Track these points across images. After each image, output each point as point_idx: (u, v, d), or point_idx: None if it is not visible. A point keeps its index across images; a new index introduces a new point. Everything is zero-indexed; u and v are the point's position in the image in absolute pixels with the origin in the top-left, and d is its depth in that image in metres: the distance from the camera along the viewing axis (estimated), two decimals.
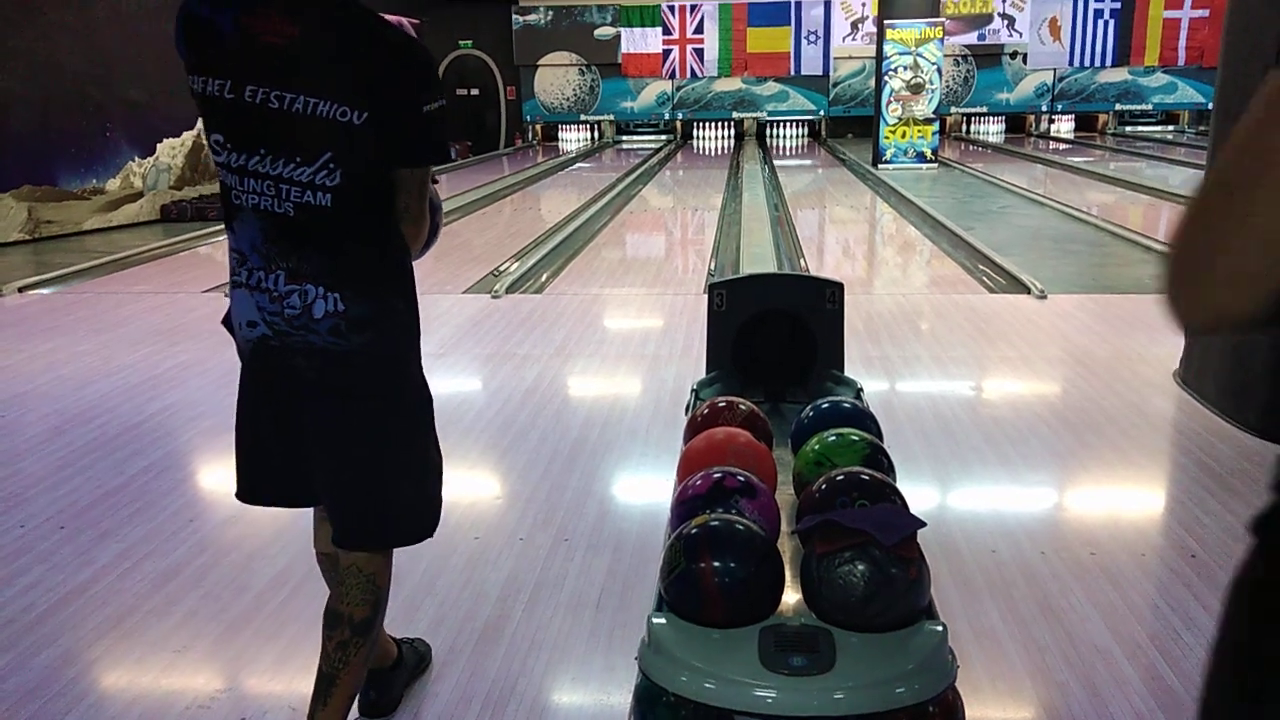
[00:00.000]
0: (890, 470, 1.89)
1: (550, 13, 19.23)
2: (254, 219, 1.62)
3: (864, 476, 1.71)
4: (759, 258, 7.43)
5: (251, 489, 1.86)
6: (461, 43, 19.11)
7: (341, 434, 1.71)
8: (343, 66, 1.56)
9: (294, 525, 2.98)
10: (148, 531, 2.92)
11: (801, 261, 7.33)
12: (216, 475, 3.54)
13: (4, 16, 8.58)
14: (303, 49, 1.55)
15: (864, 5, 18.24)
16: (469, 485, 3.35)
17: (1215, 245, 0.73)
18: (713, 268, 7.16)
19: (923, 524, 1.52)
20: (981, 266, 6.89)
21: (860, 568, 1.47)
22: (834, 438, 1.90)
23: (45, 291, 6.52)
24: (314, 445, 1.73)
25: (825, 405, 2.13)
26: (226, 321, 1.78)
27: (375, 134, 1.57)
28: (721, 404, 2.16)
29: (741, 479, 1.72)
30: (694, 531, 1.55)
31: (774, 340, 2.67)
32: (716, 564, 1.49)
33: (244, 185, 1.61)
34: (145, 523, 2.98)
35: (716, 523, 1.56)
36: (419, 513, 1.82)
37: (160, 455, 3.56)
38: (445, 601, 2.51)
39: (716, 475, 1.73)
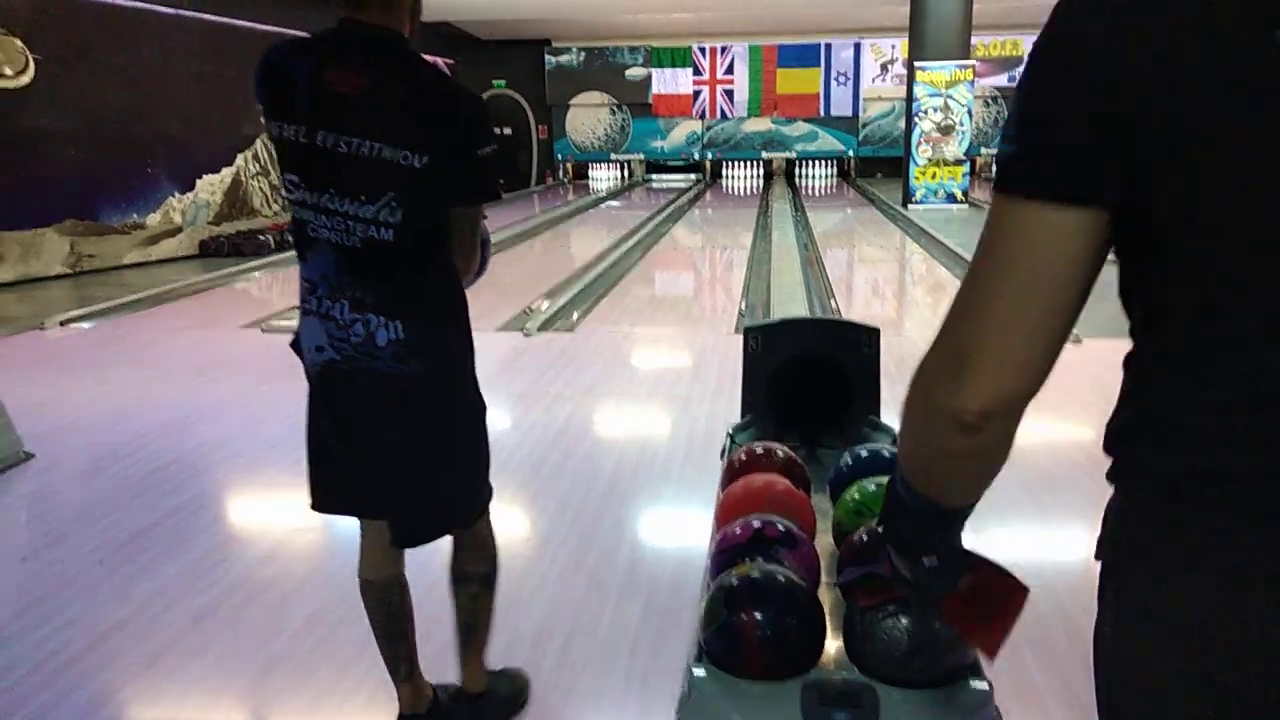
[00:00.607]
0: None
1: (582, 54, 19.53)
2: (327, 251, 1.77)
3: None
4: (789, 297, 7.43)
5: (323, 499, 2.00)
6: (495, 83, 19.43)
7: (402, 450, 1.86)
8: (405, 115, 1.71)
9: (328, 565, 2.99)
10: (183, 569, 2.94)
11: (832, 302, 7.32)
12: (251, 513, 3.57)
13: (57, 58, 8.84)
14: (369, 99, 1.70)
15: (894, 47, 18.36)
16: (501, 527, 3.33)
17: (976, 337, 0.88)
18: (743, 307, 7.17)
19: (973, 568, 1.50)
20: None
21: (904, 622, 1.45)
22: (874, 487, 1.88)
23: (85, 325, 6.64)
24: (376, 460, 1.88)
25: (864, 453, 2.11)
26: (295, 345, 1.91)
27: (433, 176, 1.70)
28: (759, 450, 2.15)
29: (782, 528, 1.71)
30: (735, 582, 1.54)
31: (810, 385, 2.66)
32: (758, 616, 1.48)
33: (317, 220, 1.76)
34: (181, 560, 3.00)
35: (757, 574, 1.55)
36: (468, 505, 2.03)
37: (196, 492, 3.60)
38: None
39: (756, 524, 1.72)
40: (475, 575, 2.10)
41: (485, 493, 2.05)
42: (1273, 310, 0.78)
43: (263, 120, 1.79)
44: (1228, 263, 0.79)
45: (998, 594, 1.29)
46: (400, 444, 1.86)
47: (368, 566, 2.06)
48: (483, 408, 1.98)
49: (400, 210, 1.71)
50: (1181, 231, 0.81)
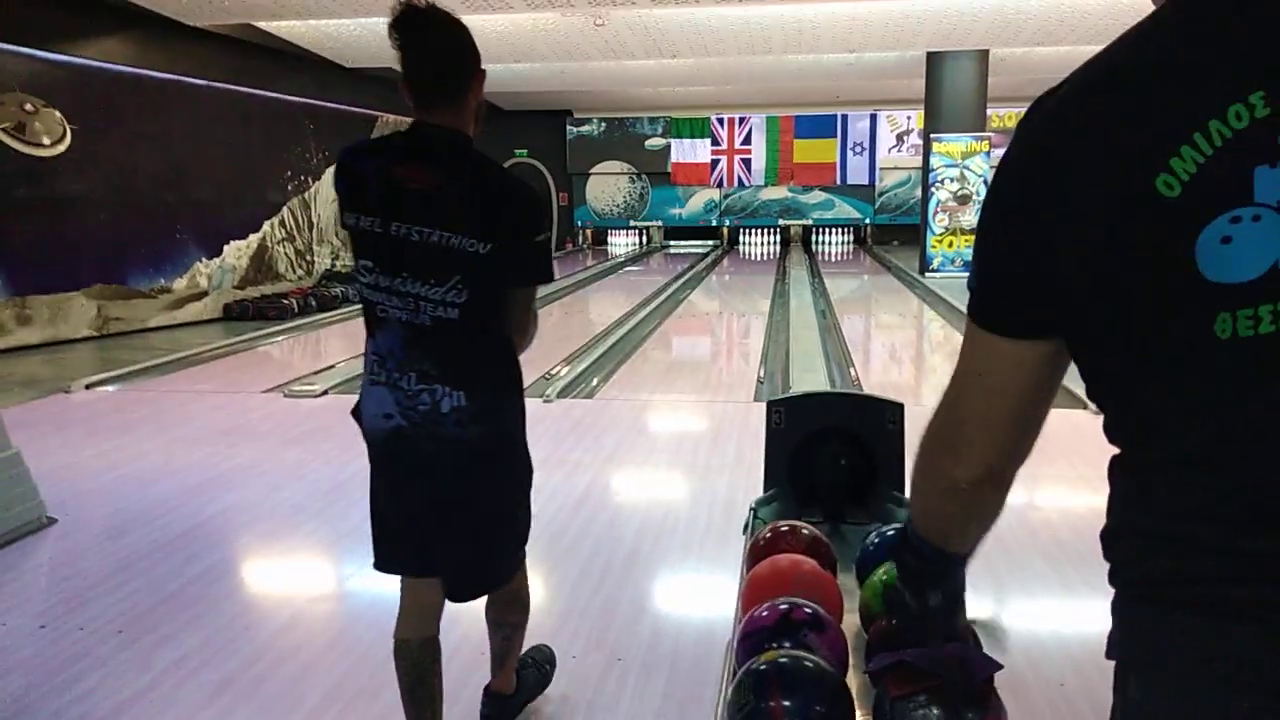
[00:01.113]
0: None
1: (603, 124, 19.90)
2: (397, 328, 1.94)
3: None
4: (807, 365, 7.43)
5: (386, 560, 2.13)
6: (517, 152, 19.79)
7: (463, 509, 2.04)
8: (471, 209, 1.89)
9: (348, 634, 2.98)
10: (204, 638, 2.93)
11: (851, 369, 7.32)
12: (272, 581, 3.56)
13: (91, 126, 9.10)
14: (439, 194, 1.89)
15: (909, 119, 18.63)
16: None
17: (959, 428, 1.04)
18: (761, 374, 7.18)
19: (1000, 666, 1.49)
20: None
21: (936, 713, 1.43)
22: None
23: (110, 389, 6.72)
24: (439, 519, 2.04)
25: (891, 533, 2.10)
26: (355, 413, 2.05)
27: (496, 261, 1.90)
28: (784, 528, 2.14)
29: (809, 611, 1.70)
30: (763, 668, 1.52)
31: (834, 460, 2.66)
32: (787, 703, 1.46)
33: (389, 301, 1.93)
34: (202, 628, 2.99)
35: (785, 659, 1.54)
36: (510, 569, 2.23)
37: (218, 559, 3.60)
38: None
39: (783, 607, 1.70)
40: (509, 624, 2.34)
41: (522, 550, 2.26)
42: (1204, 432, 0.83)
43: (341, 212, 2.00)
44: (1159, 390, 0.86)
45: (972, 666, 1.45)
46: (461, 503, 2.03)
47: (406, 627, 2.13)
48: (531, 470, 2.18)
49: (466, 291, 1.89)
50: (1116, 366, 0.89)
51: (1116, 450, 0.95)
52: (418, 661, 2.11)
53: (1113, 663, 0.96)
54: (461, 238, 1.87)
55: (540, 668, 2.58)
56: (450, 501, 2.02)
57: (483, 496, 2.04)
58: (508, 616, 2.32)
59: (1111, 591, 0.96)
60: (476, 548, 2.09)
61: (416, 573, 2.11)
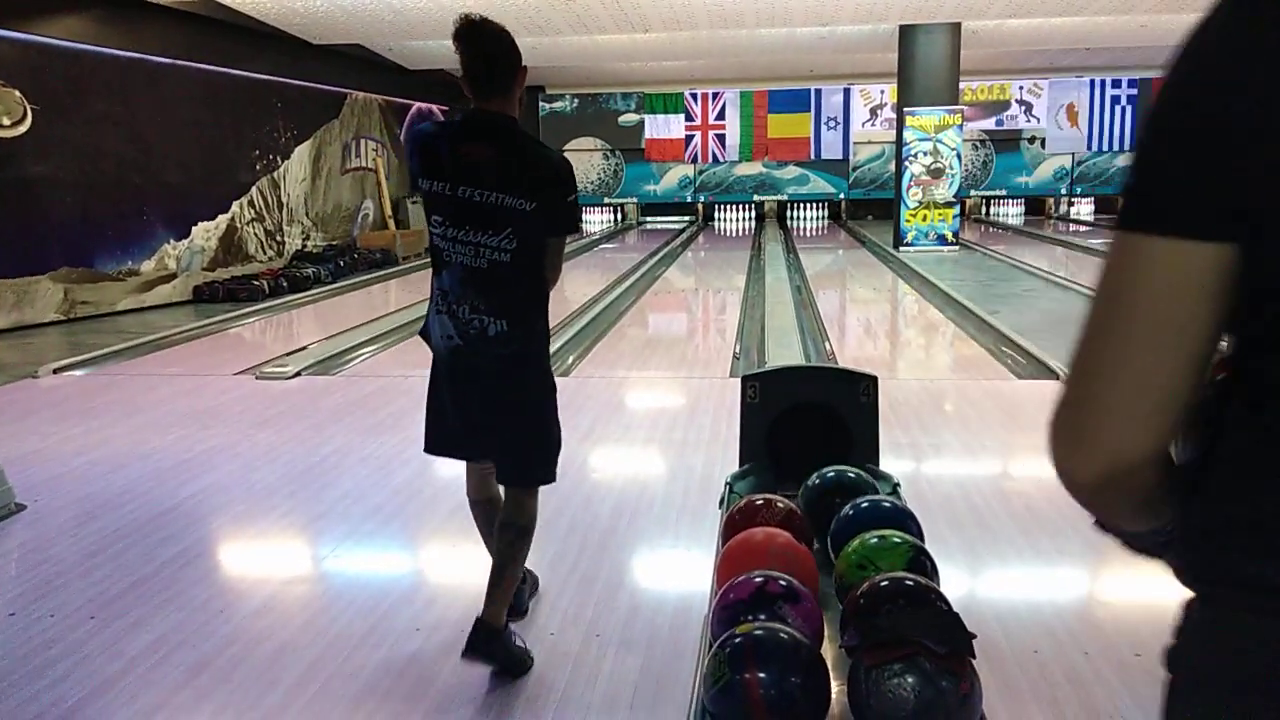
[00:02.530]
0: (934, 573, 1.87)
1: (576, 100, 19.75)
2: (458, 270, 2.48)
3: (909, 583, 1.68)
4: (783, 340, 7.45)
5: (435, 446, 2.73)
6: None
7: (503, 408, 2.59)
8: (520, 175, 2.42)
9: (323, 615, 2.97)
10: (178, 621, 2.91)
11: (826, 344, 7.35)
12: (247, 563, 3.54)
13: (54, 106, 8.91)
14: (495, 164, 2.42)
15: (883, 92, 18.62)
16: None
17: (1097, 393, 0.79)
18: (737, 350, 7.19)
19: (973, 635, 1.50)
20: (1006, 350, 6.88)
21: (910, 680, 1.44)
22: (875, 540, 1.88)
23: (79, 373, 6.62)
24: (483, 416, 2.60)
25: (865, 504, 2.11)
26: (424, 333, 2.63)
27: (537, 216, 2.43)
28: (759, 502, 2.15)
29: (784, 584, 1.71)
30: (738, 641, 1.53)
31: (808, 433, 2.67)
32: (762, 675, 1.47)
33: (454, 248, 2.48)
34: (176, 612, 2.97)
35: (761, 631, 1.54)
36: (548, 465, 2.70)
37: (191, 542, 3.57)
38: (477, 699, 2.47)
39: (758, 579, 1.71)
40: (514, 525, 2.66)
41: (554, 468, 2.71)
42: None
43: (417, 181, 2.54)
44: None
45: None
46: (504, 404, 2.59)
47: (472, 490, 2.84)
48: (554, 386, 2.70)
49: (516, 240, 2.44)
50: None
51: (1255, 421, 0.77)
52: (484, 510, 2.81)
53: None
54: (512, 198, 2.39)
55: (524, 651, 2.64)
56: (495, 401, 2.58)
57: (518, 398, 2.61)
58: (513, 518, 2.66)
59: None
60: (516, 440, 2.64)
61: (475, 459, 2.75)
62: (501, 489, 2.72)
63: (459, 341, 2.53)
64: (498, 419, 2.61)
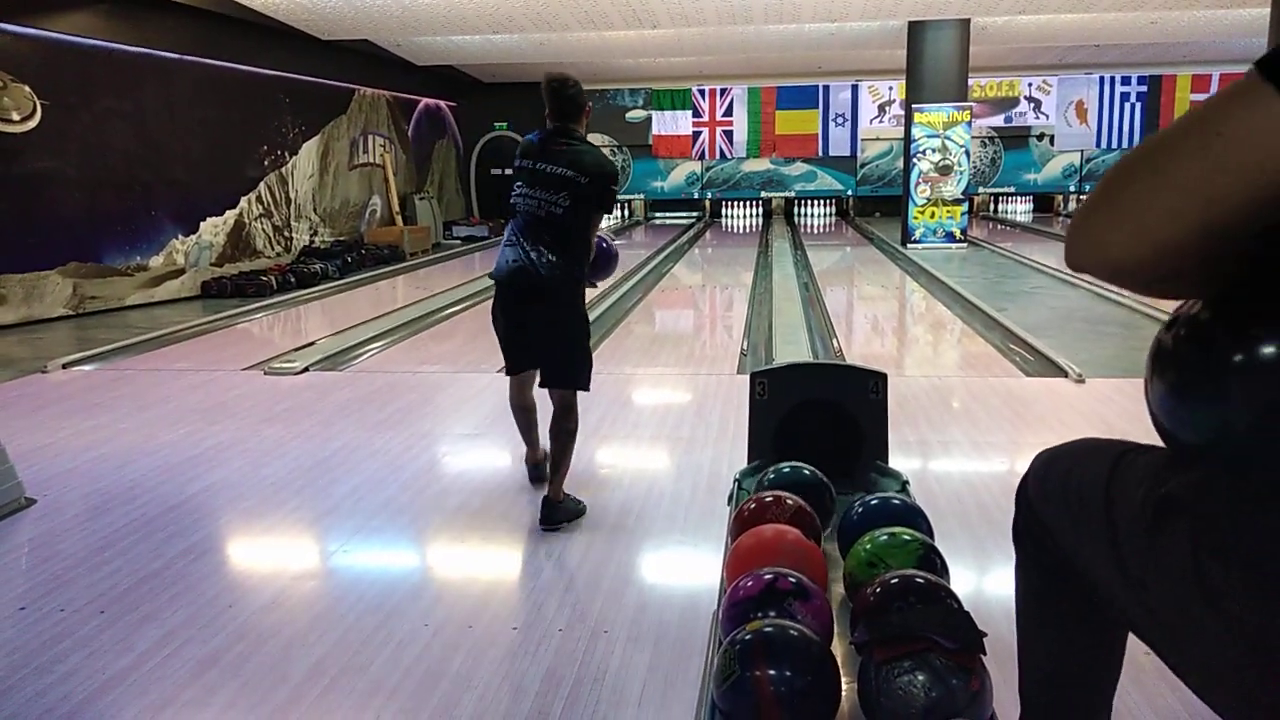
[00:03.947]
0: (944, 571, 1.86)
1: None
2: (527, 217, 3.53)
3: (919, 580, 1.68)
4: (790, 337, 7.44)
5: (514, 364, 3.78)
6: (497, 125, 19.61)
7: (547, 319, 3.59)
8: (580, 161, 3.51)
9: (331, 611, 2.97)
10: (188, 616, 2.91)
11: (833, 341, 7.33)
12: (255, 558, 3.55)
13: (62, 104, 8.93)
14: (565, 152, 3.52)
15: (891, 89, 18.57)
16: (507, 572, 3.33)
17: (1129, 188, 0.82)
18: (744, 346, 7.18)
19: (984, 633, 1.49)
20: (1014, 347, 6.86)
21: (920, 678, 1.43)
22: (885, 537, 1.87)
23: (88, 368, 6.64)
24: (532, 328, 3.61)
25: (875, 501, 2.11)
26: (494, 273, 3.66)
27: (587, 189, 3.49)
28: (768, 498, 2.14)
29: (794, 580, 1.70)
30: (748, 637, 1.52)
31: (817, 430, 2.66)
32: (772, 672, 1.46)
33: (525, 204, 3.53)
34: (185, 607, 2.98)
35: (770, 629, 1.54)
36: (585, 374, 3.67)
37: (200, 537, 3.57)
38: (484, 695, 2.47)
39: (768, 576, 1.71)
40: (564, 430, 3.62)
41: (587, 377, 3.68)
42: None
43: (516, 159, 3.66)
44: None
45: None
46: (549, 319, 3.59)
47: (514, 396, 3.88)
48: (587, 317, 3.71)
49: (569, 199, 3.48)
50: None
51: None
52: (523, 410, 3.89)
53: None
54: (572, 173, 3.47)
55: (576, 503, 3.69)
56: (542, 316, 3.57)
57: (558, 315, 3.58)
58: (565, 424, 3.62)
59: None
60: (556, 348, 3.61)
61: (523, 367, 3.77)
62: (536, 399, 3.85)
63: (523, 262, 3.53)
64: (543, 329, 3.60)
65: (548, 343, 3.58)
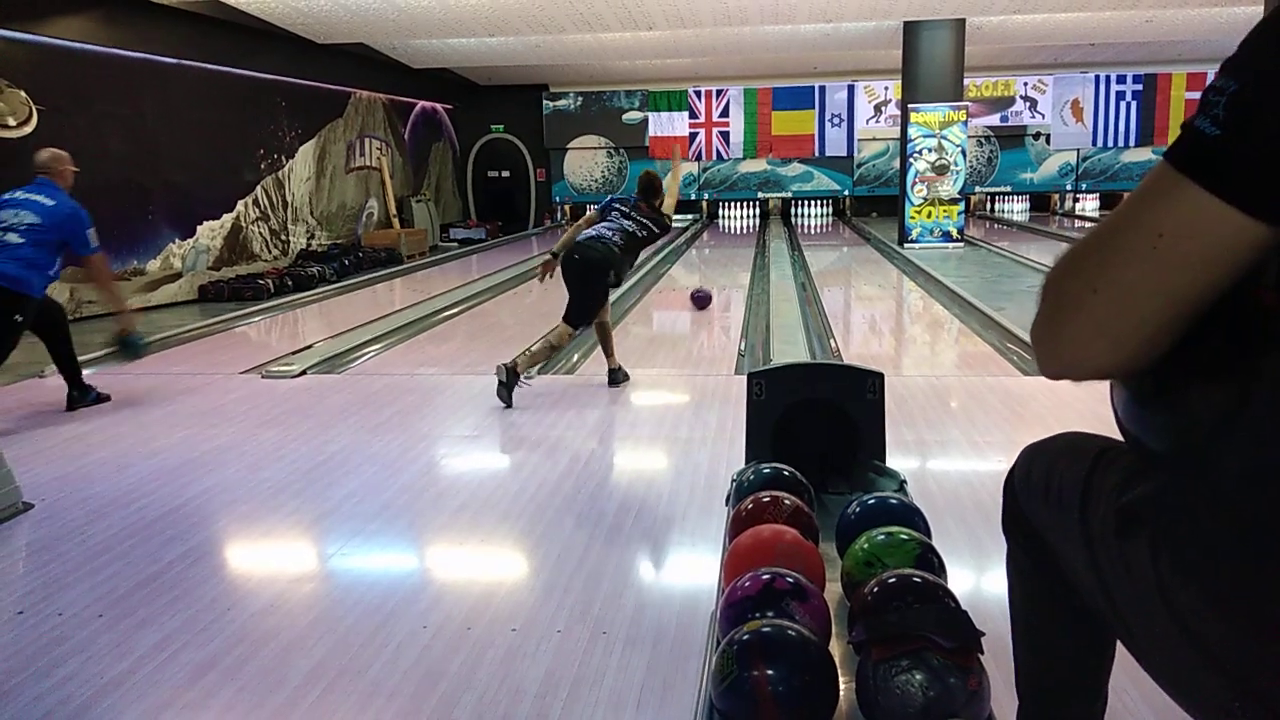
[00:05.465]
0: (941, 570, 1.86)
1: (580, 98, 19.74)
2: (604, 229, 5.64)
3: (916, 580, 1.68)
4: (787, 337, 7.44)
5: (576, 322, 5.62)
6: (493, 127, 19.62)
7: (590, 283, 5.55)
8: (651, 210, 5.85)
9: (330, 615, 2.97)
10: (186, 620, 2.91)
11: (831, 341, 7.34)
12: (253, 562, 3.54)
13: (58, 109, 8.93)
14: (647, 207, 5.91)
15: (887, 89, 18.59)
16: (506, 573, 3.33)
17: (1089, 301, 0.82)
18: (742, 347, 7.18)
19: (982, 633, 1.49)
20: (1011, 346, 6.87)
21: (918, 676, 1.44)
22: (883, 537, 1.88)
23: (85, 372, 6.61)
24: (582, 283, 5.53)
25: (872, 501, 2.11)
26: (556, 253, 5.72)
27: (649, 224, 5.81)
28: (766, 499, 2.14)
29: (792, 580, 1.70)
30: (746, 638, 1.52)
31: (815, 430, 2.67)
32: (771, 672, 1.47)
33: (608, 224, 5.69)
34: (183, 611, 2.97)
35: (769, 629, 1.54)
36: (583, 318, 5.64)
37: (198, 541, 3.57)
38: (484, 697, 2.47)
39: (766, 576, 1.71)
40: (603, 322, 5.76)
41: (582, 322, 5.61)
42: None
43: (609, 201, 6.06)
44: None
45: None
46: (590, 281, 5.53)
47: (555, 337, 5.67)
48: (607, 293, 5.71)
49: (633, 226, 5.69)
50: None
51: None
52: (599, 329, 5.83)
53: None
54: (646, 217, 5.73)
55: (624, 372, 5.86)
56: (591, 275, 5.49)
57: (602, 277, 5.51)
58: (601, 317, 5.71)
59: None
60: (595, 303, 5.61)
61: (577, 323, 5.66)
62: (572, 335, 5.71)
63: (595, 243, 5.47)
64: (589, 290, 5.52)
65: (578, 293, 5.64)
